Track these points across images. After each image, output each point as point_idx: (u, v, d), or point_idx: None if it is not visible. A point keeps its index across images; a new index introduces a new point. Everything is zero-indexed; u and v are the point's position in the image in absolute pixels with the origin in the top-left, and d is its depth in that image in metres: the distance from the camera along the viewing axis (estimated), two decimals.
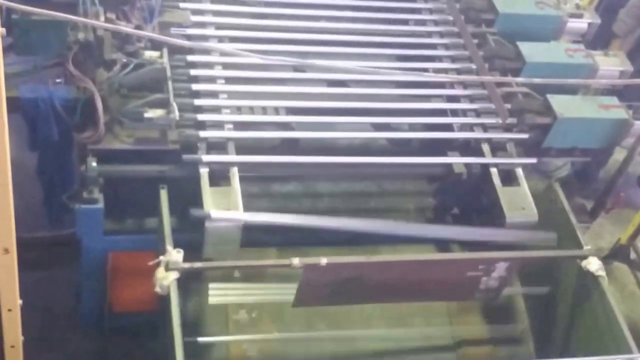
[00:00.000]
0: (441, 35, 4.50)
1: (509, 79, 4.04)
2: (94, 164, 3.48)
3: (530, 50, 4.25)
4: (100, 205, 3.53)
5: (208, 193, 3.51)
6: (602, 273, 3.59)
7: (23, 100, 3.63)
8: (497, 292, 3.73)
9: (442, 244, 4.09)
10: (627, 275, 5.30)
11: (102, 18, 3.56)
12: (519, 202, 3.85)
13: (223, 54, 4.02)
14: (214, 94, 3.86)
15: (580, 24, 4.60)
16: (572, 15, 4.57)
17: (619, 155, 4.88)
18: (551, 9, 4.54)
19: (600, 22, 4.65)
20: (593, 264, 3.59)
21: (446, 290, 3.72)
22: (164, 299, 3.24)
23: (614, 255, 5.14)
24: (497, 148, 4.04)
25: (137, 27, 3.77)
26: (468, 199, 4.11)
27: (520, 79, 4.00)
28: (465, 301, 3.91)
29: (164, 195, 3.48)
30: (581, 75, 4.26)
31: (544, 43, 4.39)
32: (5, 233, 2.31)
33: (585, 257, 3.64)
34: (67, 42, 3.54)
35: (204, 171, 3.57)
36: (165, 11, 3.99)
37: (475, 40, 4.42)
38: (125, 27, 3.40)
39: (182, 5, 4.12)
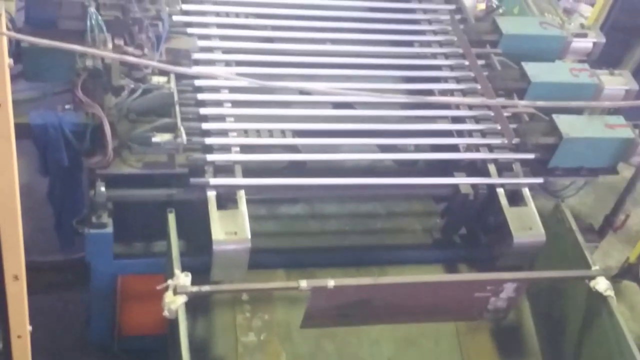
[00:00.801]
0: (446, 56, 4.53)
1: (514, 102, 4.04)
2: (103, 188, 3.52)
3: (535, 71, 4.27)
4: (109, 229, 3.56)
5: (215, 216, 3.53)
6: (610, 293, 3.58)
7: (33, 126, 3.67)
8: (506, 313, 3.73)
9: (450, 264, 4.11)
10: (636, 294, 5.28)
11: (110, 45, 3.61)
12: (526, 222, 3.84)
13: (229, 78, 4.07)
14: (220, 118, 3.89)
15: (585, 44, 4.61)
16: (577, 35, 4.58)
17: (626, 172, 4.87)
18: (555, 29, 4.55)
19: (605, 41, 4.66)
20: (601, 284, 3.58)
21: (455, 311, 3.72)
22: (173, 322, 3.26)
23: (623, 274, 5.12)
24: (504, 168, 4.04)
25: (145, 54, 3.82)
26: (475, 219, 4.11)
27: (524, 102, 4.00)
28: (474, 322, 3.90)
29: (171, 219, 3.51)
30: (586, 95, 4.27)
31: (548, 63, 4.41)
32: (15, 260, 2.35)
33: (593, 277, 3.63)
34: (76, 69, 3.58)
35: (211, 194, 3.59)
36: (173, 37, 4.02)
37: (480, 61, 4.44)
38: (132, 57, 3.45)
39: (189, 30, 4.17)
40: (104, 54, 3.29)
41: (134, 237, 3.83)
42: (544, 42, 4.51)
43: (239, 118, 3.92)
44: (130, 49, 3.76)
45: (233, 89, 4.01)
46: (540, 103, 3.72)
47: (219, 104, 3.94)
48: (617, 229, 4.95)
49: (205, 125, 3.81)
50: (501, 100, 4.05)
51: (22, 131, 3.54)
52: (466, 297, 3.62)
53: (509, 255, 3.86)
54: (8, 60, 2.11)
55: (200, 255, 3.53)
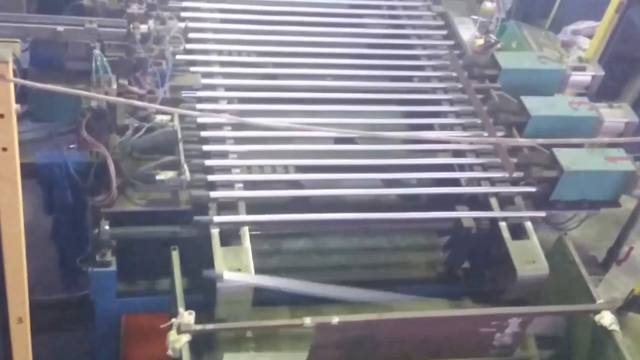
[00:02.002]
0: (445, 91, 4.58)
1: (515, 140, 4.07)
2: (107, 227, 3.53)
3: (535, 104, 4.30)
4: (113, 268, 3.57)
5: (219, 253, 3.54)
6: (615, 327, 3.56)
7: (38, 165, 3.71)
8: (512, 349, 3.70)
9: (454, 298, 4.09)
10: None
11: (115, 85, 3.66)
12: (529, 255, 3.84)
13: (232, 114, 4.12)
14: (224, 154, 3.93)
15: (583, 77, 4.66)
16: (575, 69, 4.64)
17: (629, 204, 4.88)
18: (554, 64, 4.61)
19: (603, 74, 4.71)
20: (606, 319, 3.57)
21: (460, 347, 3.69)
22: None
23: (628, 306, 5.07)
24: (506, 202, 4.06)
25: (149, 92, 3.88)
26: (479, 252, 4.11)
27: (524, 140, 4.02)
28: (480, 358, 3.88)
29: (175, 256, 3.51)
30: (586, 128, 4.31)
31: (547, 97, 4.45)
32: (19, 303, 2.36)
33: (598, 312, 3.62)
34: (81, 109, 3.63)
35: (215, 231, 3.61)
36: (176, 75, 4.09)
37: (480, 96, 4.49)
38: (136, 96, 3.49)
39: (192, 69, 4.23)
40: (109, 98, 3.35)
41: (137, 274, 3.84)
42: (542, 76, 4.56)
43: (242, 154, 3.96)
44: (134, 88, 3.82)
45: (236, 126, 4.05)
46: (540, 140, 3.76)
47: (222, 140, 3.98)
48: (621, 262, 4.93)
49: (209, 162, 3.85)
50: (504, 139, 4.06)
51: (27, 171, 3.58)
52: (471, 332, 3.60)
53: (513, 289, 3.85)
54: (15, 106, 2.14)
55: (204, 292, 3.53)
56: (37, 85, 2.24)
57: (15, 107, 2.19)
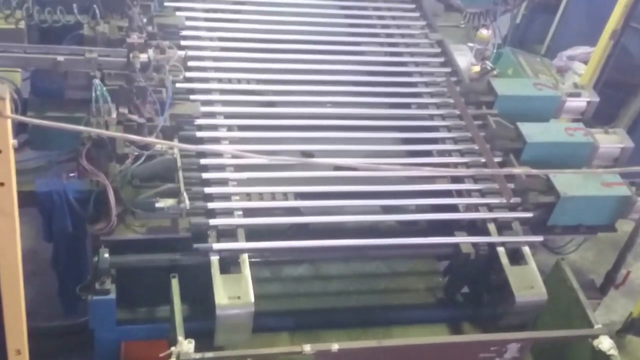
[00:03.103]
0: (443, 117, 4.62)
1: (518, 169, 4.10)
2: (106, 255, 3.54)
3: (531, 131, 4.35)
4: (113, 296, 3.57)
5: (219, 280, 3.55)
6: (614, 352, 3.57)
7: (38, 193, 3.73)
8: None
9: (454, 324, 4.10)
10: None
11: (114, 115, 3.69)
12: (527, 281, 3.86)
13: (232, 141, 4.15)
14: (223, 182, 3.95)
15: (579, 103, 4.71)
16: (571, 95, 4.69)
17: (626, 227, 4.90)
18: (549, 90, 4.66)
19: (598, 100, 4.76)
20: (605, 343, 3.57)
21: None
22: None
23: (626, 328, 5.10)
24: (503, 227, 4.08)
25: (149, 120, 3.91)
26: (477, 277, 4.13)
27: (519, 170, 4.06)
28: None
29: (175, 284, 3.52)
30: (582, 154, 4.35)
31: (543, 123, 4.49)
32: (18, 335, 2.37)
33: (596, 336, 3.63)
34: (81, 138, 3.65)
35: (214, 259, 3.62)
36: (176, 104, 4.12)
37: (477, 122, 4.53)
38: (136, 127, 3.53)
39: (192, 97, 4.27)
40: (109, 133, 3.38)
41: (137, 302, 3.84)
42: (538, 103, 4.61)
43: (241, 182, 3.98)
44: (134, 117, 3.86)
45: (235, 154, 4.07)
46: (533, 171, 3.78)
47: (221, 168, 4.00)
48: (619, 286, 4.95)
49: (208, 190, 3.87)
50: (503, 170, 4.12)
51: (27, 199, 3.60)
52: (471, 358, 3.60)
53: (512, 314, 3.86)
54: (12, 141, 2.17)
55: (203, 319, 3.53)
56: (34, 121, 2.26)
57: (12, 142, 2.21)
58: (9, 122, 2.15)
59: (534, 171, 4.05)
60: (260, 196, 3.98)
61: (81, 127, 2.73)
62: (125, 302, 3.73)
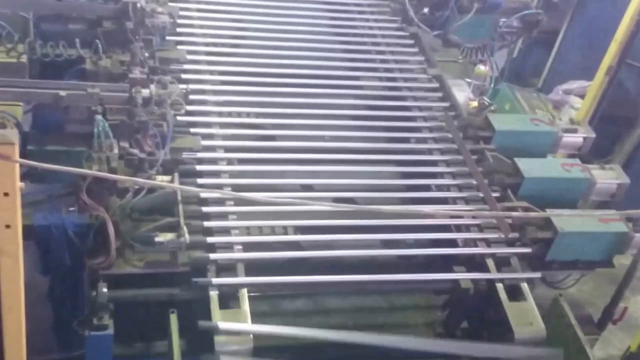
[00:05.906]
0: (441, 152, 4.65)
1: (510, 214, 4.13)
2: (105, 289, 3.52)
3: (528, 166, 4.37)
4: (110, 331, 3.53)
5: (218, 315, 3.54)
6: None
7: (37, 227, 3.71)
8: None
9: (454, 359, 4.08)
10: None
11: (116, 150, 3.70)
12: (526, 317, 3.86)
13: (232, 175, 4.17)
14: (223, 216, 3.96)
15: (575, 139, 4.76)
16: (567, 131, 4.73)
17: (624, 260, 4.90)
18: (546, 125, 4.70)
19: (594, 136, 4.81)
20: None
21: None
22: None
23: None
24: (502, 262, 4.09)
25: (150, 154, 3.92)
26: (476, 313, 4.12)
27: (517, 214, 4.09)
28: None
29: (173, 320, 3.50)
30: (579, 189, 4.38)
31: (540, 159, 4.53)
32: None
33: None
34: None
35: (213, 294, 3.61)
36: (177, 137, 4.14)
37: (475, 156, 4.56)
38: (137, 161, 3.55)
39: (192, 130, 4.29)
40: (111, 176, 3.39)
41: (135, 337, 3.81)
42: (535, 138, 4.65)
43: (241, 215, 3.98)
44: (135, 151, 3.87)
45: (235, 187, 4.09)
46: (533, 214, 3.88)
47: (221, 202, 4.01)
48: (617, 322, 4.94)
49: (208, 224, 3.87)
50: (500, 213, 4.16)
51: (25, 233, 3.58)
52: None
53: None
54: (20, 184, 2.18)
55: (202, 355, 3.51)
56: (42, 166, 2.27)
57: (20, 184, 2.22)
58: (17, 167, 2.17)
59: (533, 214, 4.08)
60: (260, 230, 3.99)
61: (85, 171, 2.78)
62: (123, 337, 3.71)
